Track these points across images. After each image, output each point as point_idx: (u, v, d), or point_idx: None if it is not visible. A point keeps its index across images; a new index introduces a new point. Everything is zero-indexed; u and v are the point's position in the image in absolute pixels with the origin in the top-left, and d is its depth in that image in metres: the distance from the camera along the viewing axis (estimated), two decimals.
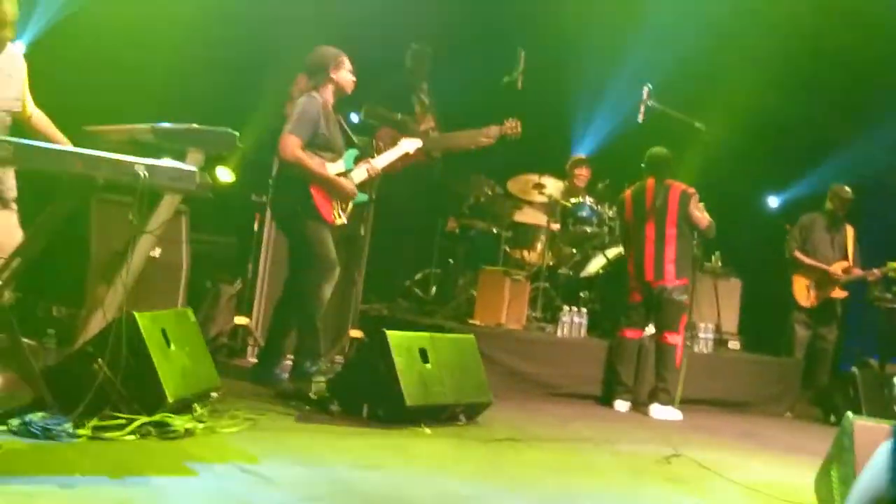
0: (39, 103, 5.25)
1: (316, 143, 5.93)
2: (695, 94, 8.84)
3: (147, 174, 4.11)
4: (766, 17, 9.25)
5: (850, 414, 4.28)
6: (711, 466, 5.22)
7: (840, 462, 4.24)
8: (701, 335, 8.07)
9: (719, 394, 7.91)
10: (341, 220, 6.06)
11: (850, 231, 8.96)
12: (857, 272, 8.82)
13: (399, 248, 8.40)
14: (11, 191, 5.00)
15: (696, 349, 7.98)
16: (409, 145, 6.60)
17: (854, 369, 8.26)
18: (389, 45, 8.42)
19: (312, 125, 5.89)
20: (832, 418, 8.13)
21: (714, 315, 8.64)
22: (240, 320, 6.96)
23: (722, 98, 9.31)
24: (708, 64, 9.53)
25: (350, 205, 6.12)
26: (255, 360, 6.55)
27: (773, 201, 11.08)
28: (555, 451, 5.34)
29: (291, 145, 5.82)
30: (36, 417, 3.91)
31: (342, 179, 6.01)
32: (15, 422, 3.88)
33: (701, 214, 7.36)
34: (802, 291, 8.91)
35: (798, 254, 8.92)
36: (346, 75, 6.06)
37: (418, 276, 8.62)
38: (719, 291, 8.77)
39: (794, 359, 8.79)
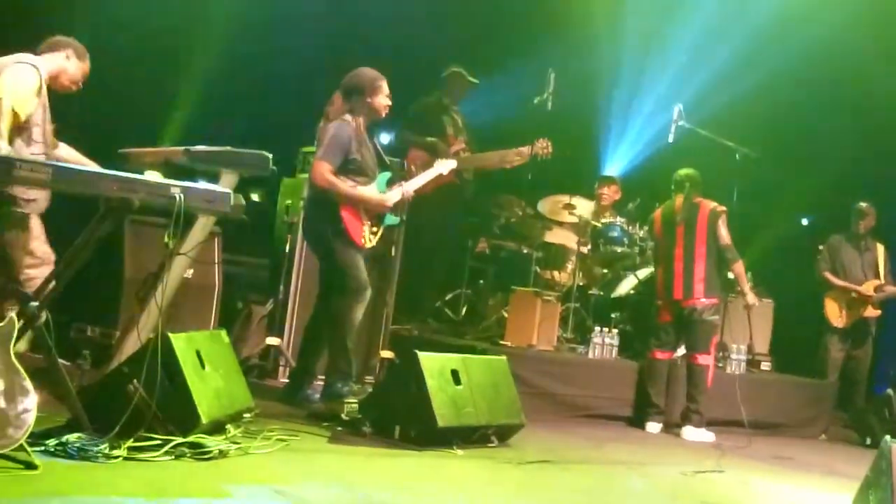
0: (74, 126, 5.33)
1: (348, 169, 5.94)
2: (726, 114, 8.82)
3: (182, 196, 4.16)
4: (798, 37, 9.20)
5: (888, 438, 4.23)
6: (747, 489, 5.17)
7: (878, 486, 4.18)
8: (733, 356, 8.00)
9: (752, 416, 7.83)
10: (371, 243, 6.07)
11: (880, 249, 8.89)
12: (891, 289, 8.74)
13: (429, 268, 8.38)
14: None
15: (728, 370, 7.91)
16: (443, 167, 6.61)
17: (889, 391, 8.15)
18: (421, 65, 8.46)
19: (343, 151, 5.91)
20: (868, 441, 8.03)
21: (746, 336, 8.57)
22: (271, 341, 6.97)
23: (754, 116, 9.28)
24: (739, 83, 9.50)
25: (381, 227, 6.13)
26: (286, 381, 6.56)
27: (806, 221, 10.99)
28: (587, 474, 5.32)
29: (322, 171, 5.84)
30: (72, 438, 3.94)
31: (374, 196, 6.02)
32: (52, 442, 3.91)
33: (726, 233, 7.32)
34: (835, 312, 8.84)
35: (828, 275, 8.85)
36: (381, 100, 6.06)
37: (449, 297, 8.61)
38: (751, 311, 8.69)
39: (828, 381, 8.71)
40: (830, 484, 5.95)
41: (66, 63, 5.21)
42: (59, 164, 4.27)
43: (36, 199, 4.98)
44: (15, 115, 4.81)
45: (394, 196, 6.14)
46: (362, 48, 7.95)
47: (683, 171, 7.52)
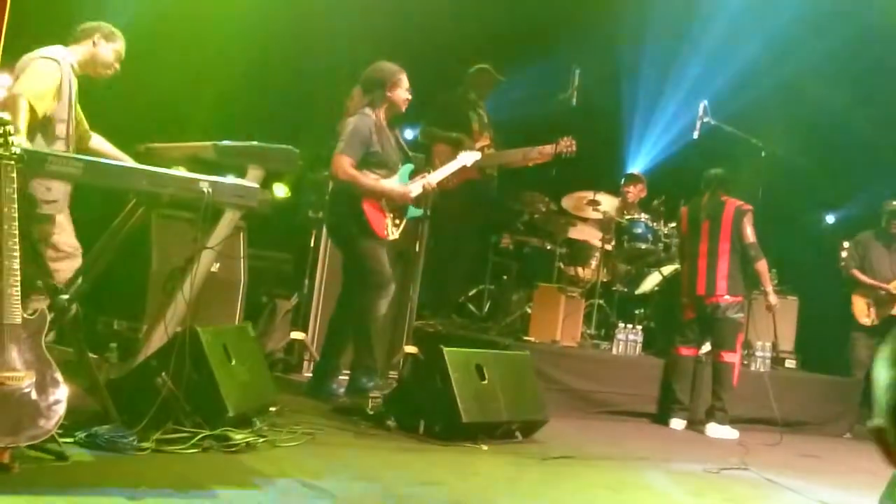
0: (100, 121, 5.35)
1: (369, 162, 5.96)
2: (752, 110, 8.77)
3: (211, 191, 4.19)
4: (826, 33, 9.14)
5: None
6: (771, 487, 5.15)
7: None
8: (758, 354, 7.97)
9: (777, 413, 7.80)
10: (394, 235, 6.08)
11: None
12: None
13: (453, 264, 8.40)
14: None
15: (753, 368, 7.88)
16: (467, 158, 6.62)
17: None
18: (445, 61, 8.46)
19: (363, 144, 5.92)
20: None
21: (771, 333, 8.52)
22: (296, 335, 7.01)
23: (779, 113, 9.23)
24: (765, 79, 9.45)
25: (404, 220, 6.14)
26: (310, 375, 6.58)
27: (831, 218, 10.93)
28: (611, 470, 5.31)
29: (343, 165, 5.86)
30: (102, 430, 3.98)
31: (395, 187, 6.02)
32: (81, 434, 3.94)
33: (751, 231, 7.29)
34: (862, 310, 8.77)
35: (856, 272, 8.77)
36: (401, 94, 6.07)
37: (472, 293, 8.63)
38: (775, 310, 8.65)
39: (853, 378, 8.65)
40: (856, 481, 5.91)
41: (96, 49, 5.20)
42: (90, 158, 4.30)
43: (56, 199, 4.98)
44: (32, 111, 4.80)
45: (416, 188, 6.14)
46: (386, 44, 7.95)
47: (711, 171, 7.53)
